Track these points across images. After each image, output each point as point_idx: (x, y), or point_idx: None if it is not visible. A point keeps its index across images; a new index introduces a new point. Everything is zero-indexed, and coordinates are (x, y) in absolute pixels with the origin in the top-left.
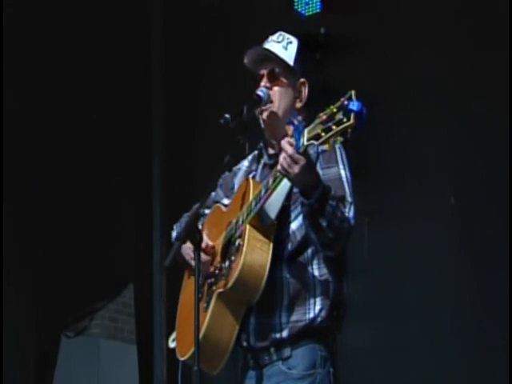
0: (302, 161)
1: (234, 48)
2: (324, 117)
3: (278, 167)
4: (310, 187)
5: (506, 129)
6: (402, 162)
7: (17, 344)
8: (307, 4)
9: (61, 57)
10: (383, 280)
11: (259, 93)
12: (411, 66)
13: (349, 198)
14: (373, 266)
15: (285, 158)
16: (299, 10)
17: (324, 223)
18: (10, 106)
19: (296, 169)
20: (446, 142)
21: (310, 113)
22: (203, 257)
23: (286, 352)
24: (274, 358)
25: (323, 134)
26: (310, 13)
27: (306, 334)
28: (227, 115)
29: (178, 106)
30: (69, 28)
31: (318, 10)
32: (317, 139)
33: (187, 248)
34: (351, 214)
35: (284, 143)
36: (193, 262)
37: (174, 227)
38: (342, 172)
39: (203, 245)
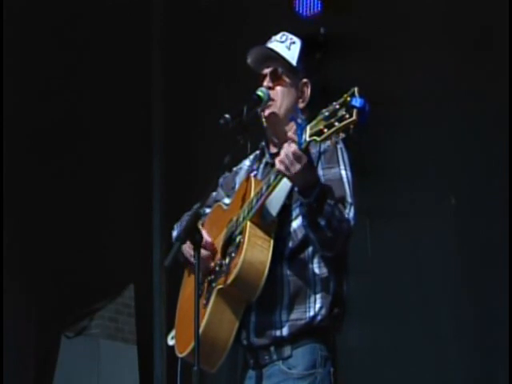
0: (305, 159)
1: (234, 48)
2: (327, 113)
3: (277, 165)
4: (309, 186)
5: (506, 129)
6: (402, 162)
7: (17, 344)
8: (307, 4)
9: (59, 55)
10: (384, 280)
11: (259, 93)
12: (411, 66)
13: (349, 199)
14: (373, 265)
15: (287, 156)
16: (299, 10)
17: (322, 222)
18: (10, 103)
19: (298, 167)
20: (446, 142)
21: (311, 113)
22: (203, 252)
23: (286, 351)
24: (274, 357)
25: (325, 130)
26: (310, 13)
27: (307, 332)
28: (227, 115)
29: (178, 106)
30: (68, 26)
31: (318, 10)
32: (319, 135)
33: (188, 246)
34: (351, 214)
35: (291, 134)
36: (193, 260)
37: (175, 227)
38: (343, 172)
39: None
